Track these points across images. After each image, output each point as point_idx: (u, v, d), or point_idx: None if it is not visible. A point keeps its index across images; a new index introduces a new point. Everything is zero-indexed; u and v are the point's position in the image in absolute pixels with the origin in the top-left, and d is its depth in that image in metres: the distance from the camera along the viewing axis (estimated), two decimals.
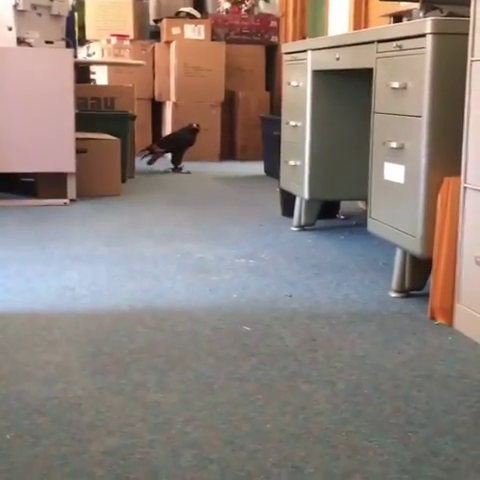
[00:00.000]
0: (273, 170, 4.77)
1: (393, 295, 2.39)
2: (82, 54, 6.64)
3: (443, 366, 1.81)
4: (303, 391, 1.65)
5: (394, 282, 2.41)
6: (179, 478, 1.27)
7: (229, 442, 1.41)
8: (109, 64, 6.32)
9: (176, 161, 5.67)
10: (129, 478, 1.27)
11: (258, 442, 1.41)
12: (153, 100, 6.79)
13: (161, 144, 5.81)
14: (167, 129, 6.66)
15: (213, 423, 1.49)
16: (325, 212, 3.58)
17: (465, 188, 2.01)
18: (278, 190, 3.81)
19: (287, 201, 3.65)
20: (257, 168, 5.77)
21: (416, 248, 2.24)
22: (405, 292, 2.39)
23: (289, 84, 3.48)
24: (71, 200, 4.13)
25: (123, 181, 4.69)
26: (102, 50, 6.71)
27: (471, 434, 1.45)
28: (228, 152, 6.70)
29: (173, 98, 6.58)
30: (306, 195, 3.30)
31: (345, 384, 1.69)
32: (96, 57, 6.55)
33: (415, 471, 1.30)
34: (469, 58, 1.98)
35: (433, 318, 2.15)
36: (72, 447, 1.38)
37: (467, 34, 1.98)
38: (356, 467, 1.32)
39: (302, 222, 3.44)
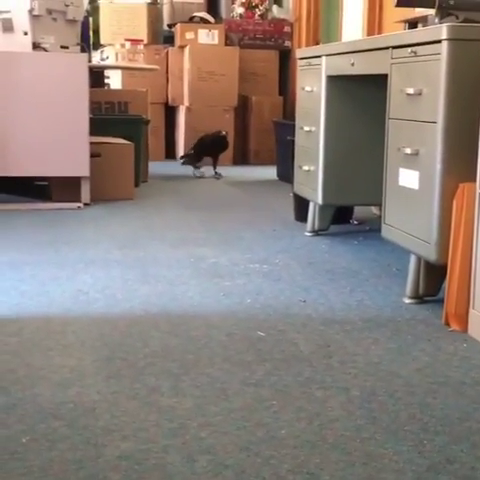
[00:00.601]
0: (286, 175, 4.77)
1: (407, 301, 2.38)
2: (96, 58, 6.67)
3: (458, 373, 1.80)
4: (318, 397, 1.65)
5: (408, 288, 2.40)
6: None
7: (244, 448, 1.41)
8: (123, 68, 6.35)
9: (213, 166, 5.65)
10: None
11: (273, 448, 1.41)
12: (166, 104, 6.80)
13: (195, 147, 5.75)
14: (180, 134, 6.67)
15: (228, 429, 1.49)
16: (339, 217, 3.58)
17: None
18: (291, 195, 3.81)
19: (301, 206, 3.65)
20: (270, 173, 5.77)
21: (431, 254, 2.23)
22: (419, 298, 2.38)
23: (303, 89, 3.48)
24: (85, 204, 4.14)
25: (136, 185, 4.70)
26: (116, 54, 6.74)
27: None
28: (241, 156, 6.71)
29: (186, 102, 6.60)
30: (320, 200, 3.29)
31: (360, 390, 1.69)
32: (110, 61, 6.58)
33: (431, 479, 1.30)
34: None
35: (447, 324, 2.15)
36: (87, 451, 1.38)
37: None
38: (371, 474, 1.31)
39: (316, 227, 3.44)
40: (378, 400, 1.63)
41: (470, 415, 1.57)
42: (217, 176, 5.54)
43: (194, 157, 5.62)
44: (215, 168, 5.57)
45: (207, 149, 5.59)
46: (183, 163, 5.75)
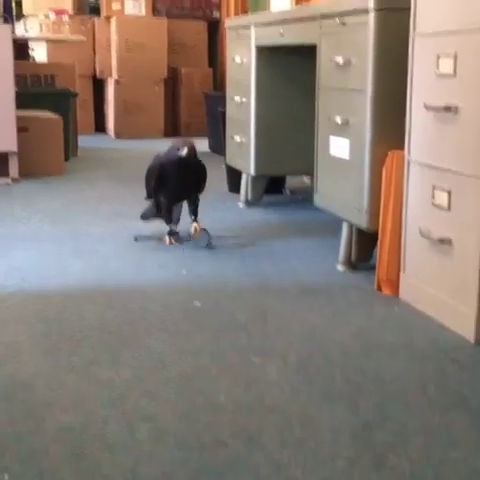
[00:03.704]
0: (218, 147, 4.76)
1: (340, 268, 2.43)
2: (19, 30, 6.48)
3: (390, 335, 1.86)
4: (255, 364, 1.67)
5: (341, 255, 2.45)
6: (135, 451, 1.28)
7: (184, 415, 1.42)
8: (49, 40, 6.20)
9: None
10: (85, 453, 1.28)
11: (212, 414, 1.43)
12: (94, 77, 6.68)
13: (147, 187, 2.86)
14: (110, 107, 6.57)
15: (167, 397, 1.50)
16: (271, 188, 3.61)
17: (409, 161, 2.06)
18: (224, 167, 3.81)
19: (233, 177, 3.67)
20: (202, 145, 5.74)
21: (362, 221, 2.28)
22: (352, 265, 2.43)
23: (233, 60, 3.48)
24: (14, 180, 4.05)
25: (66, 159, 4.62)
26: (40, 26, 6.57)
27: (418, 399, 1.50)
28: (172, 129, 6.66)
29: (115, 75, 6.50)
30: (252, 171, 3.31)
31: (296, 356, 1.72)
32: (34, 33, 6.42)
33: (366, 436, 1.34)
34: (411, 33, 2.02)
35: (379, 289, 2.20)
36: (27, 425, 1.37)
37: (409, 9, 2.01)
38: (309, 435, 1.35)
39: (249, 198, 3.46)
40: (314, 364, 1.67)
41: (402, 375, 1.62)
42: (209, 241, 2.69)
43: (154, 209, 2.81)
44: (194, 217, 2.75)
45: (169, 187, 2.69)
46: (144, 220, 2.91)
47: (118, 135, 6.41)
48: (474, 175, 1.76)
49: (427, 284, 2.00)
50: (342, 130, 2.36)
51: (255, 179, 3.41)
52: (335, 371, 1.63)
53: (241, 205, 3.47)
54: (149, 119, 6.47)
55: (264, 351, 1.75)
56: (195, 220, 2.74)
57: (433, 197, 1.93)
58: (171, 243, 2.70)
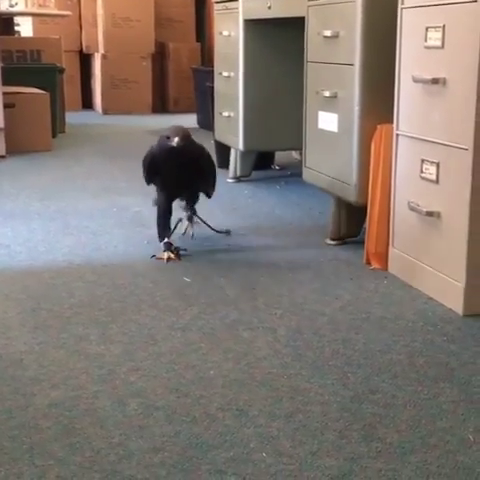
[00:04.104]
0: (206, 122, 4.74)
1: (329, 243, 2.43)
2: (4, 5, 6.40)
3: (379, 309, 1.86)
4: (245, 338, 1.68)
5: (330, 230, 2.45)
6: (126, 426, 1.29)
7: (174, 389, 1.43)
8: (34, 15, 6.13)
9: None
10: (75, 428, 1.28)
11: (202, 388, 1.43)
12: (81, 52, 6.62)
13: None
14: (97, 82, 6.52)
15: (157, 372, 1.50)
16: (260, 163, 3.60)
17: (397, 135, 2.05)
18: (212, 142, 3.80)
19: (222, 153, 3.65)
20: (190, 120, 5.72)
21: (351, 196, 2.28)
22: (341, 239, 2.43)
23: (221, 34, 3.45)
24: (1, 156, 4.02)
25: (54, 136, 4.59)
26: (25, 0, 6.49)
27: (407, 372, 1.51)
28: (160, 105, 6.62)
29: (102, 50, 6.44)
30: (241, 146, 3.30)
31: (285, 330, 1.73)
32: (19, 8, 6.34)
33: (355, 409, 1.35)
34: (399, 5, 2.00)
35: (369, 263, 2.21)
36: (17, 401, 1.37)
37: None
38: (298, 408, 1.36)
39: (238, 173, 3.45)
40: (303, 338, 1.68)
41: (391, 348, 1.63)
42: (226, 231, 2.55)
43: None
44: (188, 214, 2.48)
45: (163, 181, 2.36)
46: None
47: (106, 111, 6.37)
48: (462, 147, 1.76)
49: (416, 257, 2.00)
50: (330, 104, 2.35)
51: (244, 154, 3.40)
52: (324, 344, 1.64)
53: (230, 180, 3.46)
54: (137, 95, 6.43)
55: (254, 325, 1.75)
56: (190, 219, 2.44)
57: (422, 170, 1.93)
58: (169, 259, 2.24)
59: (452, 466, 1.17)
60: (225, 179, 3.46)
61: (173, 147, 2.15)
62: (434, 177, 1.88)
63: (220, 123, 3.55)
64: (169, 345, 1.64)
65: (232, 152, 3.47)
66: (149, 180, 2.35)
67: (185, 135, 2.18)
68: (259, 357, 1.58)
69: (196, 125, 5.55)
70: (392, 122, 2.07)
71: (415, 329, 1.73)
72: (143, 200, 3.04)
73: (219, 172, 3.63)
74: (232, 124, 3.34)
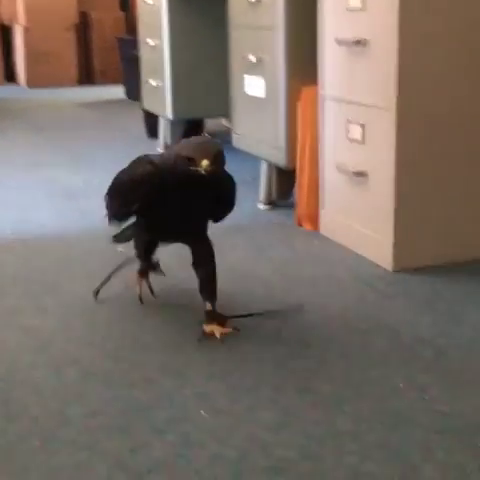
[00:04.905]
0: (134, 93, 4.68)
1: (262, 207, 2.46)
2: None
3: (311, 268, 1.90)
4: (179, 303, 1.69)
5: (261, 194, 2.47)
6: (63, 392, 1.29)
7: (111, 356, 1.43)
8: None
9: None
10: (13, 397, 1.28)
11: (140, 353, 1.45)
12: (1, 24, 6.43)
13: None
14: (19, 55, 6.34)
15: (93, 340, 1.51)
16: (190, 131, 3.58)
17: (323, 96, 2.08)
18: (142, 111, 3.76)
19: (151, 122, 3.62)
20: (118, 92, 5.64)
21: (280, 160, 2.30)
22: (273, 203, 2.46)
23: (144, 2, 3.40)
24: None
25: None
26: None
27: (339, 326, 1.55)
28: (86, 76, 6.50)
29: (22, 21, 6.26)
30: (170, 115, 3.28)
31: (220, 293, 1.73)
32: None
33: (289, 364, 1.38)
34: None
35: (300, 225, 2.25)
36: None
37: None
38: (235, 366, 1.38)
39: (168, 143, 3.43)
40: (238, 300, 1.70)
41: (323, 305, 1.67)
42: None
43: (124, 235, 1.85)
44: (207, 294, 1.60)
45: (163, 215, 1.54)
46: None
47: (30, 84, 6.22)
48: (385, 107, 1.79)
49: (345, 217, 2.05)
50: (256, 68, 2.36)
51: (173, 123, 3.38)
52: (258, 306, 1.67)
53: (160, 150, 3.44)
54: (61, 67, 6.29)
55: (188, 291, 1.76)
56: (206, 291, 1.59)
57: (348, 131, 1.97)
58: (140, 286, 1.72)
59: (383, 412, 1.22)
60: (155, 148, 3.44)
61: (201, 175, 1.38)
62: (360, 137, 1.92)
63: (147, 92, 3.52)
64: (105, 313, 1.64)
65: (161, 121, 3.45)
66: (127, 214, 1.56)
67: (217, 157, 1.41)
68: (194, 322, 1.58)
69: (124, 96, 5.49)
70: (317, 84, 2.09)
71: (347, 286, 1.78)
72: (72, 172, 3.01)
73: (150, 142, 3.62)
74: (159, 92, 3.32)
